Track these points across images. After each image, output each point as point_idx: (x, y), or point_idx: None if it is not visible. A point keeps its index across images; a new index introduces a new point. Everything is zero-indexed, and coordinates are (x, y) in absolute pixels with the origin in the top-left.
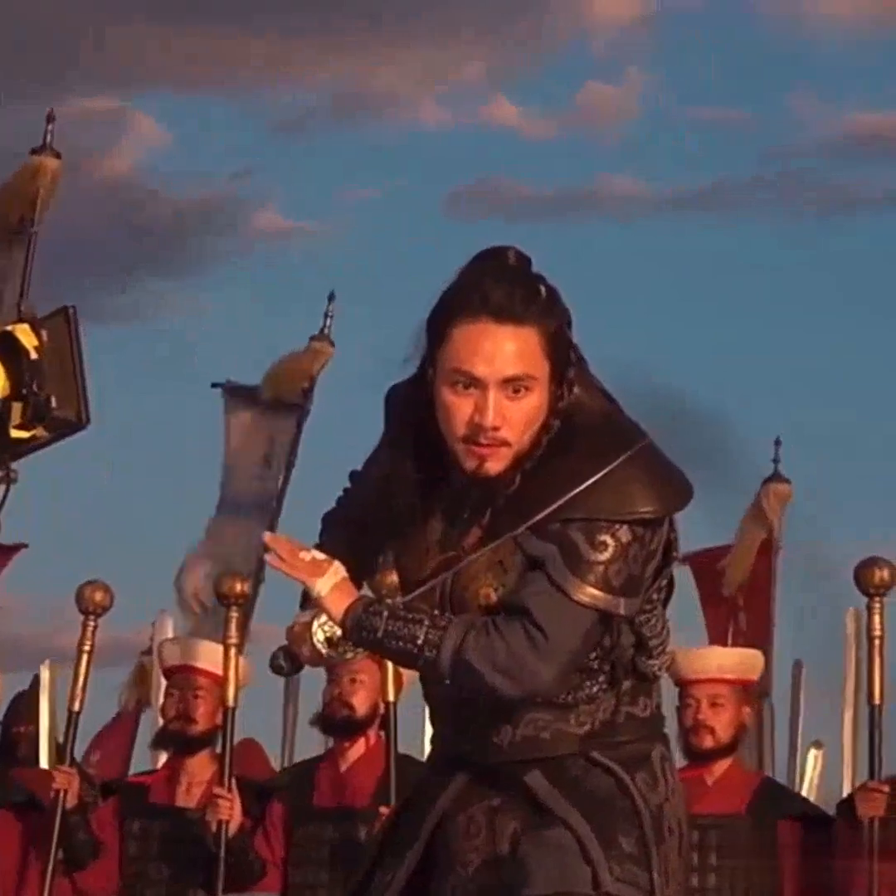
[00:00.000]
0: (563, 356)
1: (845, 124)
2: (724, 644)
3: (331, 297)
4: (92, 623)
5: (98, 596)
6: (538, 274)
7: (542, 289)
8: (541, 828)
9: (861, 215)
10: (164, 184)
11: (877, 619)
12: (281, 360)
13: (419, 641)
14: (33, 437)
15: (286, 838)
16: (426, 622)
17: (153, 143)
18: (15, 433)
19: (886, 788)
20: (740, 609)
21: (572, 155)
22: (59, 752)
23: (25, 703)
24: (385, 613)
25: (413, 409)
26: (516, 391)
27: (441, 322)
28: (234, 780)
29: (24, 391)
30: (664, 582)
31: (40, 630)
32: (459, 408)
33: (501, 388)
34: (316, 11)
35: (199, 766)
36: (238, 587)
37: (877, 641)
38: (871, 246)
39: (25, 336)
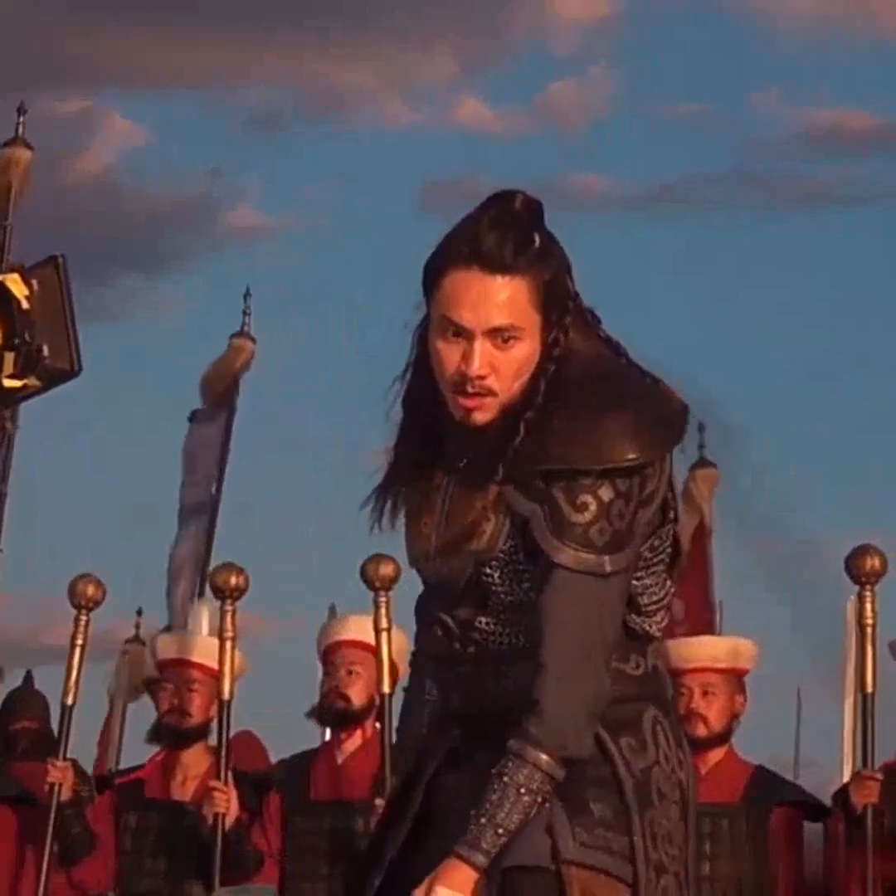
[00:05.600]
0: (557, 305)
1: (812, 120)
2: (673, 635)
3: (246, 295)
4: (84, 617)
5: (90, 590)
6: (538, 222)
7: (537, 238)
8: None
9: (823, 211)
10: (137, 182)
11: (868, 607)
12: (207, 368)
13: (528, 798)
14: (25, 387)
15: (283, 830)
16: (510, 788)
17: (127, 141)
18: (7, 383)
19: (880, 776)
20: (676, 596)
21: (540, 152)
22: (54, 747)
23: (22, 700)
24: (498, 830)
25: (417, 355)
26: (505, 341)
27: (435, 269)
28: (230, 773)
29: (16, 341)
30: (658, 542)
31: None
32: (448, 355)
33: (489, 338)
34: (287, 10)
35: (195, 760)
36: (233, 580)
37: (868, 629)
38: (834, 241)
39: (16, 286)
